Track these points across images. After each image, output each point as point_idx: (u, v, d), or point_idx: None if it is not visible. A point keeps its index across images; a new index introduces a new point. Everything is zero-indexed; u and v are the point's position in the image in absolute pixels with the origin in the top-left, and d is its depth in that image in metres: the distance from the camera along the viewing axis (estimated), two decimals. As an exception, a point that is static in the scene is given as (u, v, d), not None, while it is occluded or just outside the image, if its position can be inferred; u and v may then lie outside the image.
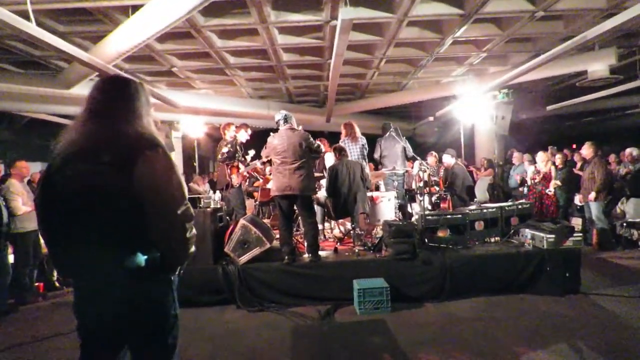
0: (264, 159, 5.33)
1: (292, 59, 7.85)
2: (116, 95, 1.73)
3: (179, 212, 1.61)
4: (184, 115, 9.71)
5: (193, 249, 1.70)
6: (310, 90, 10.77)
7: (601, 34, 5.32)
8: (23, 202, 5.37)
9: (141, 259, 1.55)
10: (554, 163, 7.73)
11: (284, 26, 6.33)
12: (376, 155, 7.21)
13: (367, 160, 6.78)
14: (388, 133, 6.73)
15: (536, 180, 7.30)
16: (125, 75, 1.85)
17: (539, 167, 7.39)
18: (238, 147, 6.21)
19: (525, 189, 8.58)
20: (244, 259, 4.87)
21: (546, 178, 7.29)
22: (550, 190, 7.21)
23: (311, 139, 5.01)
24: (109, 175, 1.53)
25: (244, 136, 6.35)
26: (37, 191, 1.69)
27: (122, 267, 1.53)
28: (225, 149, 5.90)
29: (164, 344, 1.69)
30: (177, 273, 1.74)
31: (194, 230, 1.69)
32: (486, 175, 9.86)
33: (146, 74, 8.58)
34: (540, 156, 7.44)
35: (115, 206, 1.54)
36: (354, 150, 6.51)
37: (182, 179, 1.68)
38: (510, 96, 9.76)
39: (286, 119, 5.02)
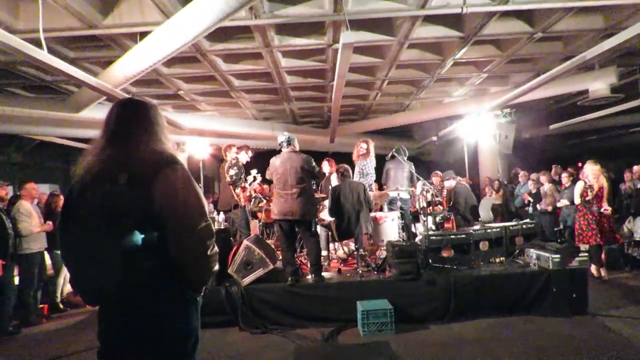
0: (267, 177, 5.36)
1: (295, 81, 7.98)
2: (135, 120, 1.73)
3: (198, 228, 1.61)
4: (190, 136, 9.83)
5: (216, 267, 1.70)
6: (314, 111, 10.90)
7: (600, 53, 5.39)
8: (33, 224, 5.43)
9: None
10: (609, 178, 6.66)
11: (288, 50, 6.47)
12: (383, 178, 7.22)
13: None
14: (391, 154, 6.78)
15: (588, 198, 6.01)
16: (142, 98, 1.85)
17: (590, 181, 6.07)
18: (242, 169, 6.27)
19: (531, 208, 8.52)
20: (247, 280, 4.86)
21: (599, 195, 6.05)
22: (607, 208, 6.07)
23: (313, 163, 5.02)
24: (127, 196, 1.54)
25: (244, 157, 6.41)
26: (59, 218, 1.70)
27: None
28: (232, 172, 5.96)
29: None
30: (202, 293, 1.73)
31: (215, 248, 1.68)
32: (498, 196, 9.69)
33: (153, 97, 8.74)
34: (591, 169, 6.11)
35: (136, 226, 1.55)
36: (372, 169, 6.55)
37: (202, 196, 1.68)
38: (512, 115, 9.85)
39: (289, 141, 5.06)
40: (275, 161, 4.98)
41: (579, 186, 6.13)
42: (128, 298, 1.57)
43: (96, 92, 5.81)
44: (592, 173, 6.10)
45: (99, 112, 7.23)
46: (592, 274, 5.92)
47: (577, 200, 6.13)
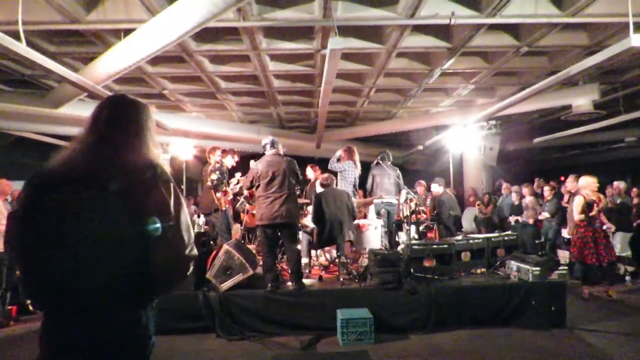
0: (247, 185, 5.17)
1: (283, 85, 7.97)
2: (128, 121, 1.64)
3: (186, 252, 1.58)
4: (174, 137, 9.72)
5: None
6: (301, 116, 10.90)
7: (584, 70, 5.51)
8: (2, 222, 5.27)
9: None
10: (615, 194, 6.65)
11: (276, 53, 6.46)
12: (368, 184, 7.21)
13: (357, 190, 6.79)
14: (375, 161, 6.81)
15: (593, 213, 5.65)
16: (134, 97, 1.77)
17: (589, 195, 5.70)
18: (225, 173, 6.19)
19: (513, 220, 8.61)
20: (226, 285, 4.79)
21: (600, 210, 5.80)
22: (610, 227, 5.95)
23: (297, 166, 5.04)
24: (116, 204, 1.47)
25: (230, 162, 6.35)
26: (18, 208, 1.56)
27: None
28: (215, 176, 5.88)
29: None
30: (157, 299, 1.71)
31: (191, 267, 1.66)
32: (488, 211, 9.69)
33: (136, 96, 8.53)
34: (593, 182, 5.77)
35: (117, 236, 1.48)
36: (352, 175, 6.54)
37: (188, 214, 1.65)
38: (498, 128, 10.01)
39: (273, 144, 5.05)
40: (258, 165, 4.94)
41: (579, 202, 5.72)
42: (98, 301, 1.49)
43: (77, 89, 5.69)
44: (593, 186, 5.75)
45: (79, 109, 7.10)
46: (581, 288, 5.95)
47: (579, 217, 5.70)
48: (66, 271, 1.47)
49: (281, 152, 5.08)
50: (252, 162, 5.19)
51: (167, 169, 1.66)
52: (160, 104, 9.15)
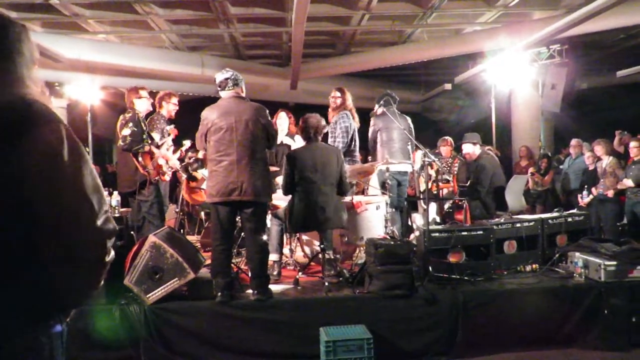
0: (202, 145, 5.15)
1: (238, -8, 7.88)
2: None
3: (98, 223, 1.57)
4: (71, 73, 9.56)
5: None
6: (268, 40, 10.87)
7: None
8: None
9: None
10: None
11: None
12: (370, 143, 7.17)
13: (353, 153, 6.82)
14: (377, 107, 6.80)
15: None
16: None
17: None
18: (143, 124, 6.09)
19: (584, 197, 8.63)
20: (154, 296, 4.82)
21: None
22: None
23: (268, 117, 5.02)
24: None
25: (143, 105, 6.21)
26: None
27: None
28: (127, 130, 5.79)
29: None
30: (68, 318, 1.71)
31: (112, 252, 1.66)
32: (546, 181, 9.73)
33: (9, 8, 8.42)
34: None
35: None
36: (342, 133, 6.55)
37: (96, 172, 1.65)
38: (563, 56, 10.01)
39: (236, 82, 4.97)
40: (210, 114, 4.88)
41: None
42: None
43: None
44: None
45: None
46: None
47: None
48: None
49: (244, 95, 5.04)
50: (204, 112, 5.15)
51: (52, 108, 1.65)
52: (49, 20, 9.03)
